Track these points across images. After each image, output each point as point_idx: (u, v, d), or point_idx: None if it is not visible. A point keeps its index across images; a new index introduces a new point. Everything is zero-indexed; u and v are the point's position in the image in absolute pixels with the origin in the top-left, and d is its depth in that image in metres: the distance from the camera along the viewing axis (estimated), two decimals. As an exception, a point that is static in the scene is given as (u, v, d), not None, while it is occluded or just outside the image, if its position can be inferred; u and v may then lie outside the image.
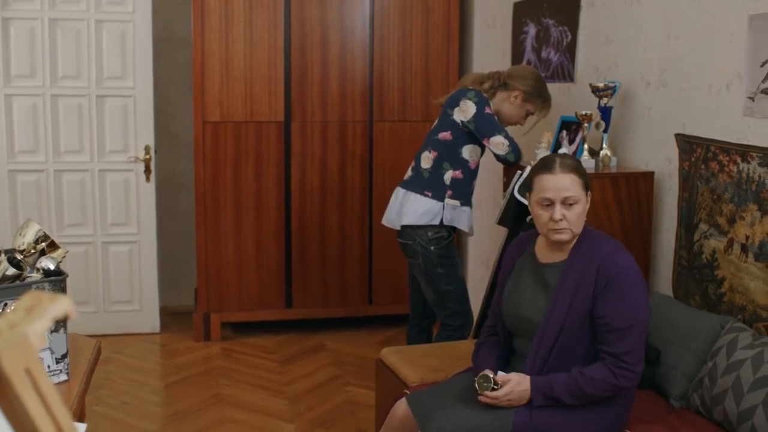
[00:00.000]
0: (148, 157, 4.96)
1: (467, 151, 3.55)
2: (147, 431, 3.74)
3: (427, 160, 3.59)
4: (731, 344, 2.61)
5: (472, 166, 3.58)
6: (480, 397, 2.43)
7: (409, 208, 3.57)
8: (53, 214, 4.88)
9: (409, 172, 3.70)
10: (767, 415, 2.35)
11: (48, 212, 4.87)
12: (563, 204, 2.42)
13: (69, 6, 4.78)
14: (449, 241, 3.58)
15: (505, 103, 3.59)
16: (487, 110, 3.47)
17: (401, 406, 2.65)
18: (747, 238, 2.76)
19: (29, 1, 4.73)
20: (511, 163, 3.48)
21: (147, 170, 4.98)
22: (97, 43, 4.85)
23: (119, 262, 5.04)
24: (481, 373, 2.45)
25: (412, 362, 3.26)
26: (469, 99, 3.48)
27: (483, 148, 3.58)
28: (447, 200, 3.54)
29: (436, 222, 3.53)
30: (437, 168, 3.55)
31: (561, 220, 2.42)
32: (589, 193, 2.49)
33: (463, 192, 3.58)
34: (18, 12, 4.71)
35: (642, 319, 2.40)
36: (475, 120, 3.46)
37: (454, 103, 3.53)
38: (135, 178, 5.00)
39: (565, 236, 2.45)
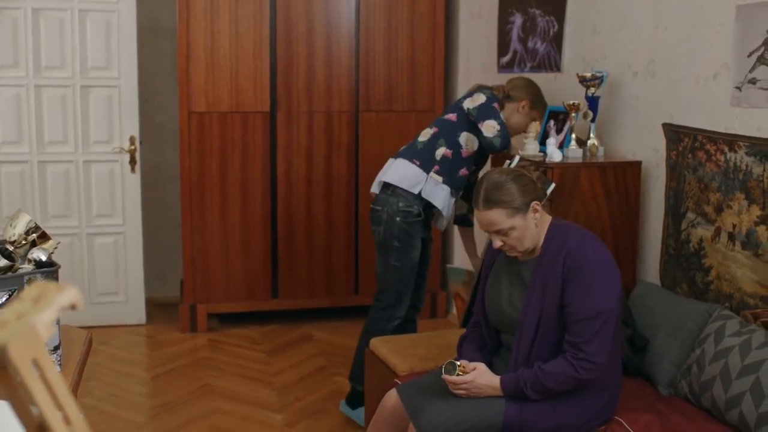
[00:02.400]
0: (133, 147, 4.93)
1: (464, 138, 3.61)
2: (135, 423, 3.73)
3: (426, 134, 3.68)
4: (719, 332, 2.64)
5: (464, 154, 3.61)
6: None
7: (393, 169, 3.64)
8: (37, 205, 4.85)
9: (404, 146, 3.78)
10: (755, 402, 2.37)
11: (32, 204, 4.83)
12: (497, 234, 2.47)
13: (52, -5, 4.74)
14: (417, 220, 3.60)
15: (514, 114, 3.67)
16: (495, 105, 3.56)
17: (392, 397, 2.66)
18: (734, 226, 2.79)
19: (12, -9, 4.68)
20: (496, 149, 3.54)
21: (132, 161, 4.95)
22: (81, 33, 4.80)
23: (105, 254, 5.01)
24: (449, 360, 2.51)
25: (401, 352, 3.27)
26: (484, 93, 3.60)
27: (480, 144, 3.61)
28: (432, 174, 3.59)
29: (416, 191, 3.57)
30: (432, 143, 3.64)
31: (502, 245, 2.49)
32: (532, 206, 2.45)
33: (448, 172, 3.62)
34: (0, 2, 4.66)
35: (607, 310, 2.36)
36: (480, 107, 3.56)
37: (469, 95, 3.66)
38: (120, 169, 4.97)
39: (515, 254, 2.53)
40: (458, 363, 2.48)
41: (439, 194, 3.61)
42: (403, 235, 3.58)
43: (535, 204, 2.46)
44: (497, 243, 2.48)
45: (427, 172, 3.59)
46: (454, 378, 2.45)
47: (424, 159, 3.62)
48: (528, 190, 2.46)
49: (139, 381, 4.24)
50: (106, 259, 5.02)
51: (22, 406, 0.85)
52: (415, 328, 3.93)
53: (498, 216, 2.44)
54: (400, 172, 3.62)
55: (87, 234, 4.96)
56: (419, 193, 3.57)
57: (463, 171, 3.67)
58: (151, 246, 5.37)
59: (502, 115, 3.58)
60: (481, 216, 2.48)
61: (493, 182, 2.48)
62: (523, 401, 2.43)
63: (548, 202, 2.57)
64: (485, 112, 3.54)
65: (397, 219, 3.58)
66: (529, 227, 2.46)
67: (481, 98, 3.58)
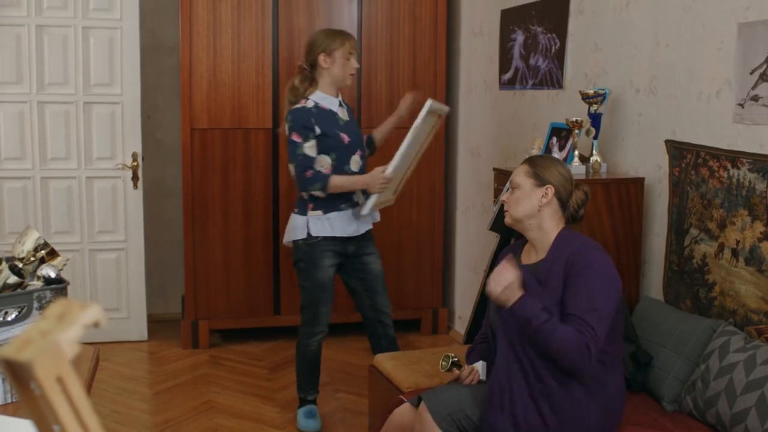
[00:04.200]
0: (135, 164, 4.94)
1: (317, 163, 3.56)
2: (138, 439, 3.73)
3: (293, 177, 3.66)
4: (723, 347, 2.65)
5: (328, 171, 3.57)
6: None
7: (286, 230, 3.74)
8: (40, 221, 4.85)
9: None
10: (760, 417, 2.38)
11: (35, 220, 4.84)
12: (511, 183, 2.62)
13: (56, 12, 4.76)
14: (317, 242, 3.60)
15: (327, 72, 3.61)
16: (293, 137, 3.53)
17: (399, 414, 2.66)
18: (737, 242, 2.80)
19: (16, 7, 4.71)
20: (300, 189, 3.61)
21: (134, 177, 4.96)
22: (84, 49, 4.83)
23: (106, 270, 5.02)
24: (444, 354, 2.62)
25: (405, 368, 3.27)
26: (287, 122, 3.60)
27: (333, 154, 3.58)
28: (310, 213, 3.61)
29: (304, 235, 3.60)
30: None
31: (505, 200, 2.62)
32: (546, 188, 2.54)
33: (324, 201, 3.59)
34: (4, 18, 4.69)
35: (602, 308, 2.37)
36: (287, 142, 3.58)
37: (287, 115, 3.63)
38: (122, 185, 4.98)
39: (509, 220, 2.61)
40: (452, 354, 2.63)
41: (326, 225, 3.60)
42: (307, 257, 3.63)
43: (549, 188, 2.54)
44: (504, 196, 2.65)
45: (305, 214, 3.62)
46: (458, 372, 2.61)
47: (299, 203, 3.67)
48: (558, 179, 2.57)
49: (141, 397, 4.23)
50: (108, 276, 5.02)
51: (46, 424, 0.86)
52: (394, 343, 3.84)
53: (522, 169, 2.61)
54: (288, 228, 3.71)
55: (89, 250, 4.97)
56: (309, 234, 3.59)
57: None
58: (151, 262, 5.37)
59: (326, 87, 3.60)
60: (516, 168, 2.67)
61: (547, 155, 2.83)
62: (522, 413, 2.42)
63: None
64: (288, 150, 3.57)
65: (300, 242, 3.64)
66: (531, 200, 2.55)
67: (286, 130, 3.59)
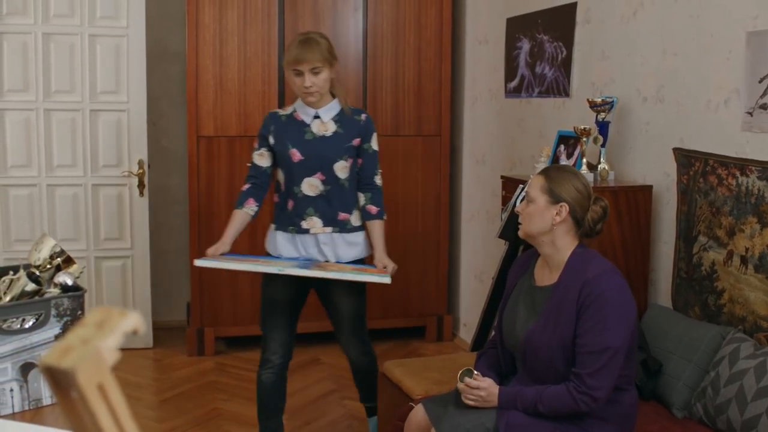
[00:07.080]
0: (141, 171, 4.95)
1: (278, 176, 3.33)
2: (145, 447, 3.73)
3: None
4: (733, 354, 2.65)
5: (282, 188, 3.31)
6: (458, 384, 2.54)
7: None
8: (46, 228, 4.85)
9: None
10: (772, 425, 2.39)
11: (41, 227, 4.84)
12: (526, 195, 2.56)
13: (62, 20, 4.78)
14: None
15: None
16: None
17: (416, 416, 2.66)
18: (746, 250, 2.81)
19: (22, 15, 4.72)
20: None
21: (140, 185, 4.97)
22: (91, 57, 4.84)
23: (112, 277, 5.02)
24: (466, 368, 2.56)
25: (415, 375, 3.28)
26: None
27: (284, 169, 3.24)
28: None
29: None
30: None
31: (520, 211, 2.57)
32: (561, 206, 2.46)
33: (277, 216, 3.34)
34: (11, 26, 4.70)
35: (615, 346, 2.34)
36: None
37: None
38: (128, 193, 4.99)
39: (522, 233, 2.58)
40: (475, 371, 2.53)
41: (272, 240, 3.34)
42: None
43: (563, 206, 2.47)
44: (519, 206, 2.59)
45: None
46: (469, 381, 2.50)
47: None
48: (574, 196, 2.48)
49: (147, 405, 4.23)
50: (113, 283, 5.02)
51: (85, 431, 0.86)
52: (362, 377, 3.52)
53: (538, 183, 2.53)
54: None
55: (95, 257, 4.97)
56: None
57: (275, 198, 3.35)
58: (156, 269, 5.37)
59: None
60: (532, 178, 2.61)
61: (565, 166, 2.66)
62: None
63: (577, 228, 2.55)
64: None
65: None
66: (544, 217, 2.48)
67: None
